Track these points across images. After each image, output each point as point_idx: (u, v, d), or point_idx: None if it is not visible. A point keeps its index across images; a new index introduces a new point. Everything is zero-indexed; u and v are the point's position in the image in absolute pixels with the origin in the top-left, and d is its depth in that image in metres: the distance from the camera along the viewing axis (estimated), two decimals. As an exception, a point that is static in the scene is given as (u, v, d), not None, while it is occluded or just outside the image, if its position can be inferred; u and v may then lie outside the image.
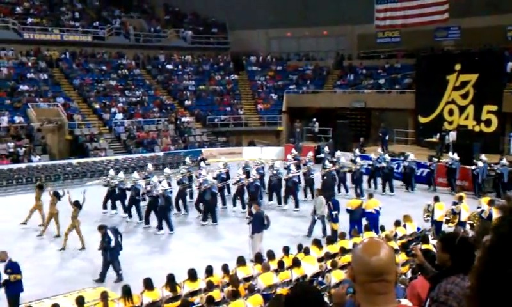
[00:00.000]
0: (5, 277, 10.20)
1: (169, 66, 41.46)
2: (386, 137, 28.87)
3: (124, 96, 36.12)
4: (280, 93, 37.61)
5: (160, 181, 17.96)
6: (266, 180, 21.32)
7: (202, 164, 22.81)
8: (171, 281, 9.94)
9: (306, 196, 21.25)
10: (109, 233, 12.47)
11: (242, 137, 35.55)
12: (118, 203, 19.20)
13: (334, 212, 15.59)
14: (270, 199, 20.66)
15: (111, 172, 20.31)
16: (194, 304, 9.52)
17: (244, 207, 18.60)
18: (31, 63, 35.83)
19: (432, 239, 11.67)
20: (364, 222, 15.24)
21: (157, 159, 28.89)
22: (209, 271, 10.49)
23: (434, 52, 34.03)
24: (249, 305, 8.93)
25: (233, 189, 20.15)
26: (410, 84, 33.22)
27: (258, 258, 11.46)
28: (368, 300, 2.07)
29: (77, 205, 15.19)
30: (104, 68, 38.42)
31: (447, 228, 14.38)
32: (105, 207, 19.26)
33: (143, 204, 18.34)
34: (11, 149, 27.64)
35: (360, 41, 39.84)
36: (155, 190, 17.28)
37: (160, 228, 16.94)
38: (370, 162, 23.10)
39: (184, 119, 35.79)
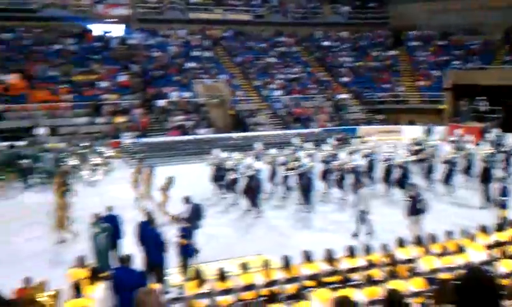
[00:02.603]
0: (177, 240, 11.10)
1: (326, 43, 41.40)
2: None
3: (282, 73, 36.89)
4: (443, 69, 35.67)
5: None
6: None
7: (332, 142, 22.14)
8: (329, 255, 10.08)
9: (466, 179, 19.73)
10: None
11: (400, 115, 34.40)
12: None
13: (503, 198, 14.56)
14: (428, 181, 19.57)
15: (215, 152, 20.27)
16: (353, 280, 9.55)
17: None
18: (196, 42, 38.12)
19: None
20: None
21: (311, 135, 29.09)
22: (368, 250, 10.46)
23: None
24: (411, 287, 8.76)
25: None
26: None
27: (417, 241, 11.15)
28: None
29: None
30: (263, 45, 39.55)
31: None
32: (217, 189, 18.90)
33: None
34: (180, 123, 29.83)
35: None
36: (250, 170, 17.19)
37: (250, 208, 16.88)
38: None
39: (340, 96, 35.62)
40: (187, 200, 13.10)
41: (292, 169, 17.77)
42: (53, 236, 13.81)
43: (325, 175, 18.64)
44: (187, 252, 11.01)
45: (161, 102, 31.21)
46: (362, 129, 30.49)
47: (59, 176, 16.63)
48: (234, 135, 29.28)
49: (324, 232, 14.72)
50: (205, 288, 8.98)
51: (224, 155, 19.27)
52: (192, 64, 35.36)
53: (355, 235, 13.91)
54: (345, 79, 37.64)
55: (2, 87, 29.55)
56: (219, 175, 18.29)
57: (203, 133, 29.36)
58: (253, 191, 16.64)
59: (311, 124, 32.30)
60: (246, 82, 35.90)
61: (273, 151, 20.43)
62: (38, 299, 7.94)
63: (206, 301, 8.90)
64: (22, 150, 21.88)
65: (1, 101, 28.55)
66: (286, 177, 18.11)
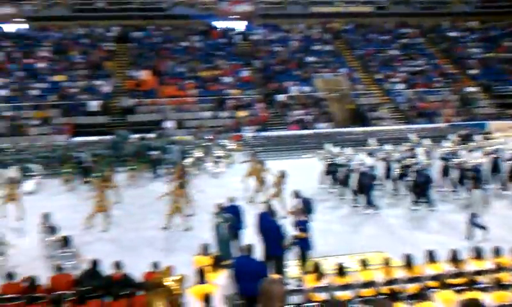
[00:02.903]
0: (296, 233, 11.18)
1: (453, 34, 39.38)
2: None
3: (405, 66, 35.69)
4: None
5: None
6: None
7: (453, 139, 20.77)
8: (455, 256, 9.64)
9: None
10: None
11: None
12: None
13: None
14: None
15: (328, 146, 20.10)
16: (480, 283, 9.06)
17: None
18: (317, 35, 38.04)
19: None
20: None
21: (435, 131, 27.84)
22: (498, 252, 9.86)
23: None
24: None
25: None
26: None
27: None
28: None
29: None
30: (385, 37, 38.53)
31: None
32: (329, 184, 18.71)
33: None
34: (300, 117, 30.00)
35: None
36: (362, 166, 16.70)
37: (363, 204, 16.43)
38: None
39: (468, 89, 33.70)
40: (296, 194, 13.16)
41: (408, 166, 17.15)
42: (173, 223, 14.55)
43: (444, 173, 17.80)
44: (306, 245, 11.06)
45: (281, 97, 31.58)
46: (492, 124, 28.59)
47: (180, 168, 17.53)
48: (355, 129, 28.85)
49: (439, 233, 14.06)
50: (324, 282, 8.99)
51: (336, 150, 19.07)
52: (313, 59, 35.34)
53: (468, 238, 13.12)
54: (474, 71, 35.53)
55: (135, 83, 31.61)
56: (331, 170, 18.16)
57: (323, 128, 29.28)
58: (365, 188, 16.30)
59: (436, 119, 30.92)
60: (367, 75, 35.18)
61: (388, 147, 19.87)
62: (164, 283, 8.40)
63: (324, 295, 8.90)
64: (151, 142, 23.25)
65: (133, 96, 30.56)
66: (401, 174, 17.51)
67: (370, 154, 19.00)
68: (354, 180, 16.75)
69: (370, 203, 16.15)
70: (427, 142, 20.94)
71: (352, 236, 14.07)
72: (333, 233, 14.05)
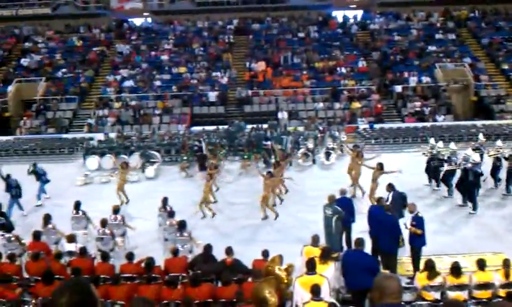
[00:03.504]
0: (410, 229, 10.84)
1: None
2: None
3: (536, 55, 33.05)
4: None
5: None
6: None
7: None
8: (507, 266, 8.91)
9: None
10: None
11: None
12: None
13: None
14: None
15: (432, 141, 18.90)
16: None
17: None
18: (440, 24, 36.32)
19: None
20: None
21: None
22: None
23: None
24: None
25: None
26: None
27: None
28: None
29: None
30: (514, 25, 35.93)
31: None
32: (429, 181, 17.67)
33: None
34: (418, 109, 28.90)
35: None
36: (467, 163, 15.44)
37: (464, 203, 15.40)
38: None
39: None
40: (390, 188, 12.85)
41: None
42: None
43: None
44: (420, 242, 10.69)
45: (398, 88, 30.62)
46: None
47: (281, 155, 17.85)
48: (478, 123, 27.20)
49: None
50: (437, 281, 8.66)
51: (440, 144, 18.11)
52: (434, 48, 33.83)
53: None
54: None
55: (251, 74, 32.27)
56: (433, 166, 17.29)
57: (442, 121, 27.95)
58: (468, 185, 15.35)
59: None
60: (493, 65, 33.01)
61: (499, 143, 18.52)
62: (274, 272, 8.54)
63: (436, 294, 8.58)
64: (264, 132, 23.63)
65: (249, 87, 31.22)
66: (510, 173, 16.32)
67: (477, 149, 17.76)
68: (457, 177, 15.98)
69: (472, 202, 15.22)
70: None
71: (446, 237, 13.24)
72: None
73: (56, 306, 2.49)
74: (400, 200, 12.57)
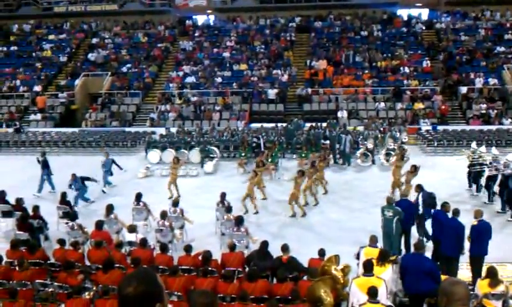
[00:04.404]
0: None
1: None
2: None
3: None
4: None
5: None
6: None
7: None
8: None
9: None
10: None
11: None
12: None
13: None
14: None
15: (473, 145, 17.99)
16: None
17: None
18: (510, 24, 34.89)
19: None
20: None
21: None
22: None
23: None
24: None
25: None
26: None
27: None
28: None
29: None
30: None
31: None
32: (470, 185, 17.12)
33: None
34: (483, 111, 27.90)
35: None
36: (507, 169, 14.68)
37: (503, 209, 14.74)
38: None
39: None
40: (419, 188, 12.72)
41: None
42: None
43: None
44: (482, 249, 10.33)
45: (464, 89, 29.66)
46: None
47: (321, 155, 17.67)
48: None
49: None
50: (499, 290, 8.34)
51: (483, 149, 17.39)
52: (503, 49, 32.54)
53: None
54: None
55: (312, 72, 32.10)
56: (474, 171, 16.74)
57: (509, 124, 26.83)
58: (509, 193, 14.74)
59: None
60: None
61: None
62: (331, 271, 8.48)
63: (498, 303, 8.27)
64: (322, 131, 23.44)
65: (310, 85, 31.07)
66: None
67: None
68: (498, 182, 15.49)
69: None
70: None
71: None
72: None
73: (123, 295, 2.56)
74: (429, 200, 12.37)
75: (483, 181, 16.37)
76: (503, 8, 35.76)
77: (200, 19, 39.43)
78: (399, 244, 11.40)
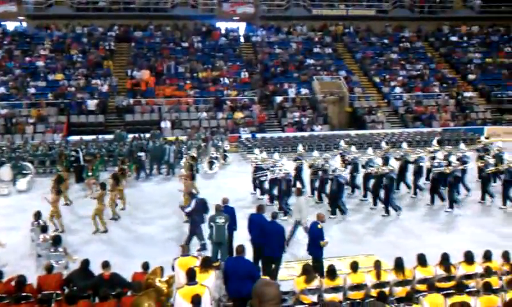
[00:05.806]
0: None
1: (454, 38, 39.44)
2: None
3: (404, 70, 35.69)
4: None
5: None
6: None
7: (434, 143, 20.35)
8: (445, 260, 9.61)
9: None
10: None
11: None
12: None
13: None
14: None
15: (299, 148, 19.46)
16: (469, 287, 9.04)
17: None
18: (318, 38, 38.00)
19: None
20: None
21: (432, 135, 27.75)
22: (488, 257, 9.81)
23: None
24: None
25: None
26: None
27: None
28: None
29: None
30: (385, 41, 38.55)
31: None
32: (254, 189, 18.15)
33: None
34: (297, 119, 29.97)
35: None
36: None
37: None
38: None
39: (466, 94, 33.73)
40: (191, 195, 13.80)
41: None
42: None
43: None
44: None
45: (279, 99, 31.57)
46: (488, 129, 28.69)
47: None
48: (352, 132, 28.82)
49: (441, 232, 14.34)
50: (314, 285, 8.92)
51: (316, 154, 18.70)
52: (312, 61, 35.31)
53: None
54: (472, 76, 35.53)
55: (133, 82, 31.57)
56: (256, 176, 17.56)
57: (319, 130, 29.24)
58: (331, 194, 16.10)
59: (432, 123, 30.90)
60: (366, 78, 35.19)
61: (404, 145, 19.74)
62: (154, 284, 8.36)
63: (314, 297, 8.86)
64: (144, 142, 23.16)
65: (131, 95, 30.51)
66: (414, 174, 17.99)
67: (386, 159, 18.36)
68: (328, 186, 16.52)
69: (386, 206, 16.16)
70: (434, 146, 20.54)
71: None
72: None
73: None
74: (201, 206, 12.87)
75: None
76: (311, 24, 38.85)
77: (10, 26, 36.51)
78: (231, 249, 11.58)
